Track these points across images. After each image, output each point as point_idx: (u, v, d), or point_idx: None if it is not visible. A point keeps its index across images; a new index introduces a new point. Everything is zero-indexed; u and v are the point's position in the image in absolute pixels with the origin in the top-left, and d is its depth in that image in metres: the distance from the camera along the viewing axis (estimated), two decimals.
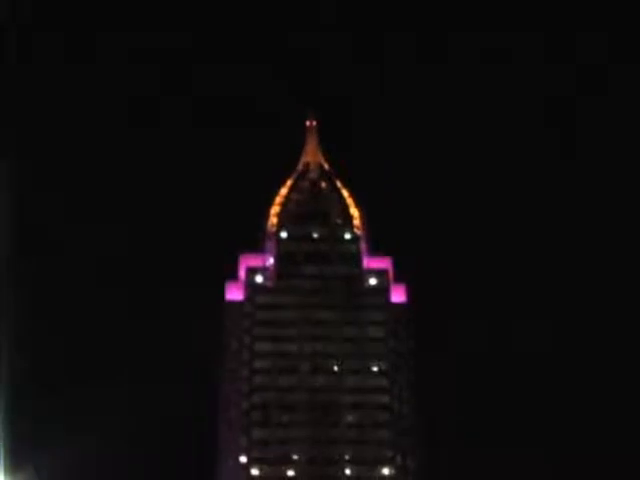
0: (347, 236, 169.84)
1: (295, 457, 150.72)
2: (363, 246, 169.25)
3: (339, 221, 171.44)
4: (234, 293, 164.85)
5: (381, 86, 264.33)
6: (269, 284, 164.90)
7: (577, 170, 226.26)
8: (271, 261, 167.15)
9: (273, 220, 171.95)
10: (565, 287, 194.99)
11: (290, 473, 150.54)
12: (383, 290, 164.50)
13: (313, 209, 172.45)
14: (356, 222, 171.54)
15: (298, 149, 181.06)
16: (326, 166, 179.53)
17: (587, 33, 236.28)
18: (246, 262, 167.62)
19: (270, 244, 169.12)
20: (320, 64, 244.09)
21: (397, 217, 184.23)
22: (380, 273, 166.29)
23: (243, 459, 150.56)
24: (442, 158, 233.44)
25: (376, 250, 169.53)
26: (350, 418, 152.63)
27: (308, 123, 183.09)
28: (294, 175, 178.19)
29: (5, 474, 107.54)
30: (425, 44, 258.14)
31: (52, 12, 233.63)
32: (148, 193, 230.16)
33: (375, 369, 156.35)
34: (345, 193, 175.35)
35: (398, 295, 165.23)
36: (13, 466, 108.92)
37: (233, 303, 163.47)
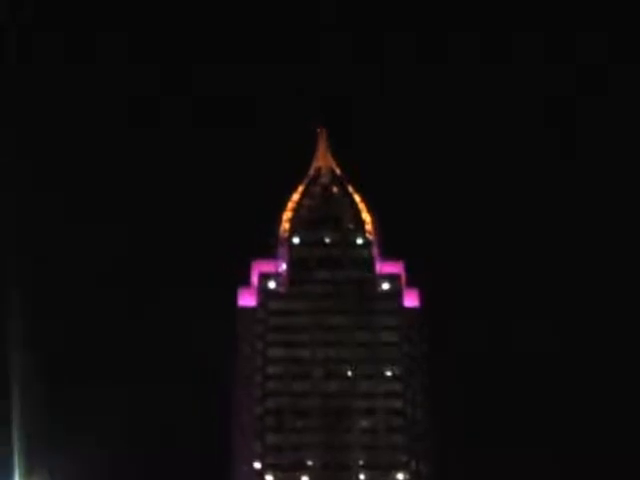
0: (359, 241, 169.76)
1: (309, 463, 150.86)
2: (375, 251, 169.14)
3: (351, 226, 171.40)
4: (247, 299, 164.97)
5: (381, 86, 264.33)
6: (282, 290, 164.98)
7: (577, 170, 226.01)
8: (284, 267, 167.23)
9: (285, 226, 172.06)
10: (568, 286, 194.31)
11: (304, 479, 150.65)
12: (396, 295, 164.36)
13: (325, 214, 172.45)
14: (368, 227, 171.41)
15: (309, 153, 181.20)
16: (337, 171, 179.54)
17: (587, 33, 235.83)
18: (259, 268, 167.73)
19: (282, 250, 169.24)
20: (323, 66, 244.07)
21: (409, 221, 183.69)
22: (393, 278, 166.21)
23: (257, 465, 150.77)
24: (443, 159, 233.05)
25: (388, 254, 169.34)
26: (364, 423, 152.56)
27: (319, 129, 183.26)
28: (306, 180, 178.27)
29: (20, 476, 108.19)
30: (425, 44, 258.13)
31: (52, 12, 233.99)
32: (149, 194, 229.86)
33: (388, 374, 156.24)
34: (357, 198, 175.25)
35: (411, 300, 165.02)
36: (28, 468, 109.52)
37: (246, 309, 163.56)
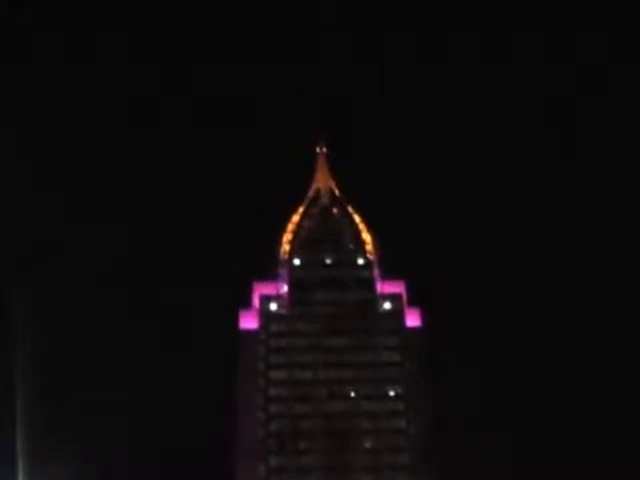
0: (360, 261, 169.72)
1: None
2: (376, 271, 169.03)
3: (351, 246, 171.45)
4: (248, 321, 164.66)
5: (381, 86, 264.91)
6: (283, 311, 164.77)
7: (577, 170, 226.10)
8: (285, 288, 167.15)
9: (285, 247, 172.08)
10: (570, 297, 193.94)
11: None
12: (397, 314, 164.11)
13: (325, 235, 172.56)
14: (368, 247, 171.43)
15: (308, 172, 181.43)
16: (337, 192, 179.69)
17: (587, 33, 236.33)
18: (260, 290, 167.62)
19: (283, 271, 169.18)
20: (323, 66, 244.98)
21: (409, 240, 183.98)
22: (394, 297, 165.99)
23: None
24: (442, 167, 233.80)
25: (389, 274, 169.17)
26: (367, 444, 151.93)
27: (318, 149, 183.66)
28: (305, 201, 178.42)
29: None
30: (425, 44, 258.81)
31: (52, 12, 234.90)
32: (149, 194, 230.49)
33: (391, 394, 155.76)
34: (357, 218, 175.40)
35: (412, 319, 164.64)
36: (29, 469, 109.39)
37: (247, 331, 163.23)
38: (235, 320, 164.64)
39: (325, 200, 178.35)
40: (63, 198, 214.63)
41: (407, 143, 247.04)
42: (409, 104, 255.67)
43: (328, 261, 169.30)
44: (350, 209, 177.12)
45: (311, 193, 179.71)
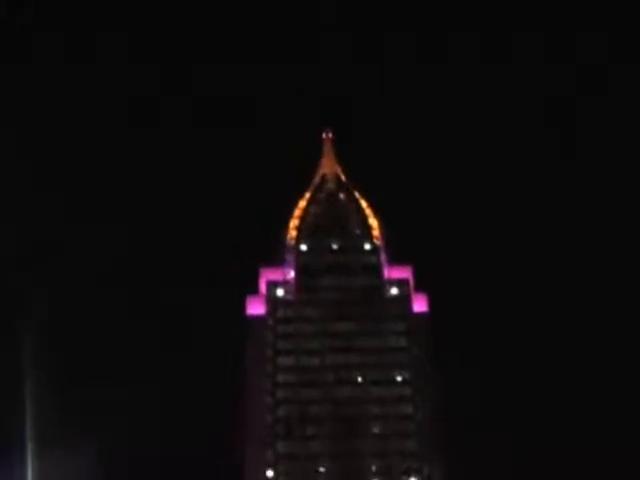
0: (367, 247, 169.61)
1: (321, 470, 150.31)
2: (383, 256, 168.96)
3: (358, 232, 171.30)
4: (255, 307, 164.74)
5: (381, 86, 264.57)
6: (290, 297, 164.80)
7: (577, 170, 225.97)
8: (291, 274, 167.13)
9: (292, 233, 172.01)
10: (571, 287, 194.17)
11: None
12: (404, 300, 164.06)
13: (332, 221, 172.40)
14: (375, 232, 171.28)
15: (314, 158, 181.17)
16: (343, 177, 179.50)
17: (587, 33, 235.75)
18: (266, 276, 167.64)
19: (290, 257, 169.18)
20: (323, 66, 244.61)
21: (416, 225, 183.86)
22: (401, 283, 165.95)
23: (269, 473, 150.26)
24: (444, 160, 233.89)
25: (396, 260, 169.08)
26: (375, 429, 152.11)
27: (324, 135, 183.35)
28: (312, 187, 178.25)
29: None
30: (425, 44, 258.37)
31: (52, 12, 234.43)
32: (150, 195, 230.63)
33: (398, 379, 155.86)
34: (363, 204, 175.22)
35: (420, 304, 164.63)
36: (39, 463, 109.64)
37: (254, 317, 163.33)
38: (242, 306, 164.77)
39: (331, 186, 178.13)
40: (63, 198, 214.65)
41: (408, 140, 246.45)
42: (409, 103, 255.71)
43: (335, 247, 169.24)
44: (357, 194, 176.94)
45: (317, 179, 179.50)
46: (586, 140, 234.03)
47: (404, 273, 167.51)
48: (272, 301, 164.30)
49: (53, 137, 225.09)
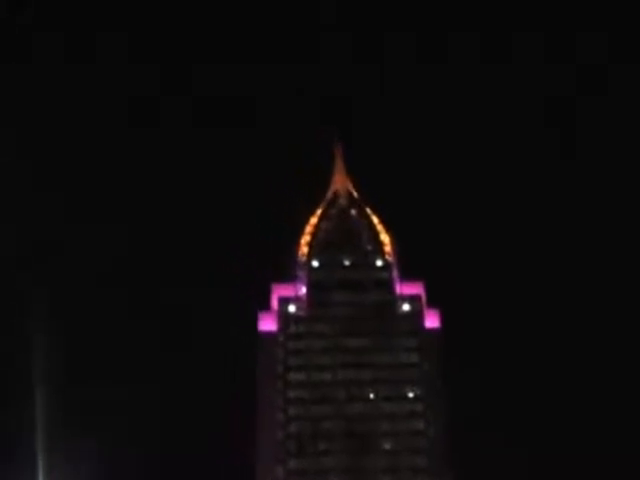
0: (378, 262, 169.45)
1: None
2: (395, 272, 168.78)
3: (370, 248, 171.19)
4: (267, 324, 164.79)
5: (381, 86, 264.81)
6: (302, 313, 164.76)
7: (577, 170, 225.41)
8: (303, 290, 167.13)
9: (304, 249, 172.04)
10: (575, 291, 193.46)
11: None
12: (416, 316, 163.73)
13: (343, 237, 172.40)
14: (387, 248, 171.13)
15: (326, 174, 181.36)
16: (355, 193, 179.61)
17: (587, 33, 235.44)
18: (278, 292, 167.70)
19: (302, 273, 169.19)
20: (323, 66, 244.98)
21: (428, 241, 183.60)
22: (413, 299, 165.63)
23: None
24: (445, 166, 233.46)
25: (408, 275, 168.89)
26: (386, 445, 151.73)
27: (335, 150, 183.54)
28: (323, 203, 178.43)
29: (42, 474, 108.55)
30: (425, 44, 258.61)
31: (52, 12, 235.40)
32: (150, 195, 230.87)
33: (410, 395, 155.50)
34: (375, 219, 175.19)
35: (432, 320, 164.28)
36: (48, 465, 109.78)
37: (266, 333, 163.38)
38: (254, 322, 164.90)
39: (343, 202, 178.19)
40: (63, 198, 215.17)
41: (407, 145, 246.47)
42: (409, 104, 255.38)
43: (346, 262, 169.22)
44: (368, 210, 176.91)
45: (329, 195, 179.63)
46: (586, 140, 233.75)
47: (416, 289, 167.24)
48: (284, 317, 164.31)
49: (53, 137, 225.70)
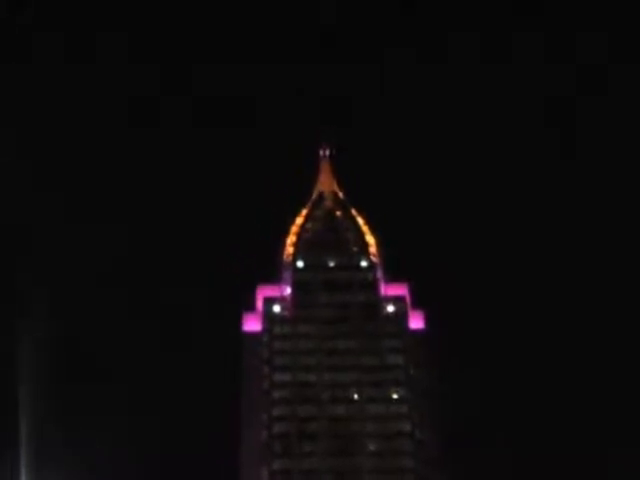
0: (363, 264, 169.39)
1: None
2: (380, 273, 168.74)
3: (355, 249, 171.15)
4: (252, 324, 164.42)
5: (381, 86, 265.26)
6: (286, 314, 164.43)
7: (577, 170, 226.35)
8: (288, 291, 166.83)
9: (289, 250, 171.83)
10: (572, 294, 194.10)
11: None
12: (401, 317, 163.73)
13: (328, 238, 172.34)
14: (372, 249, 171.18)
15: (311, 175, 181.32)
16: (340, 194, 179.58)
17: (587, 33, 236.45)
18: (263, 292, 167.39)
19: (287, 274, 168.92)
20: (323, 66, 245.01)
21: (413, 242, 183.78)
22: (398, 300, 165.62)
23: None
24: (445, 162, 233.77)
25: (393, 277, 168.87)
26: (371, 447, 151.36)
27: (321, 152, 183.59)
28: (309, 204, 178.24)
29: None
30: (425, 44, 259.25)
31: (52, 12, 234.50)
32: (149, 195, 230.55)
33: (395, 396, 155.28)
34: (360, 221, 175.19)
35: (416, 322, 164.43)
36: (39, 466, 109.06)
37: (251, 334, 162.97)
38: (238, 322, 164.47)
39: (329, 203, 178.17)
40: (63, 198, 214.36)
41: (407, 144, 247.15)
42: (409, 104, 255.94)
43: (331, 264, 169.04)
44: (354, 211, 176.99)
45: (315, 196, 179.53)
46: (586, 140, 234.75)
47: (401, 290, 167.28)
48: (268, 318, 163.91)
49: (53, 137, 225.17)
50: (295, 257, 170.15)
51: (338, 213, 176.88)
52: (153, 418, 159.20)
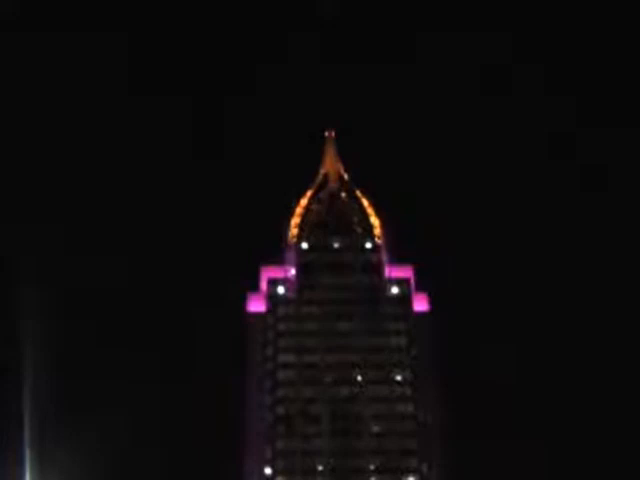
0: (368, 245, 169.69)
1: (320, 468, 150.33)
2: (384, 255, 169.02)
3: (359, 231, 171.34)
4: (256, 305, 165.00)
5: (381, 86, 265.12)
6: (290, 295, 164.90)
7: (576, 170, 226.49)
8: (292, 272, 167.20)
9: (294, 231, 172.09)
10: (572, 290, 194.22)
11: None
12: (405, 299, 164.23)
13: (333, 219, 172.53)
14: (377, 231, 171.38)
15: (317, 156, 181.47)
16: (345, 176, 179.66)
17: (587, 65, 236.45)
18: (267, 274, 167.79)
19: (291, 255, 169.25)
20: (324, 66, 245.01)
21: (417, 225, 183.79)
22: (401, 282, 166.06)
23: (268, 471, 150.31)
24: (444, 158, 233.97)
25: (397, 259, 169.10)
26: (374, 428, 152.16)
27: (327, 133, 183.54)
28: (314, 186, 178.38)
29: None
30: (425, 44, 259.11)
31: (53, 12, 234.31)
32: (152, 195, 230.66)
33: (398, 378, 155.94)
34: (365, 202, 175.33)
35: (420, 304, 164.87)
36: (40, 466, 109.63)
37: (255, 315, 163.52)
38: (243, 303, 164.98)
39: (333, 184, 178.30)
40: (64, 198, 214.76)
41: (412, 126, 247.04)
42: (409, 101, 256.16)
43: (336, 245, 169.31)
44: (358, 193, 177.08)
45: (319, 177, 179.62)
46: (586, 140, 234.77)
47: (405, 272, 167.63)
48: (273, 299, 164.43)
49: (53, 137, 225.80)
50: (300, 238, 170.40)
51: (343, 195, 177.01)
52: (157, 399, 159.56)
